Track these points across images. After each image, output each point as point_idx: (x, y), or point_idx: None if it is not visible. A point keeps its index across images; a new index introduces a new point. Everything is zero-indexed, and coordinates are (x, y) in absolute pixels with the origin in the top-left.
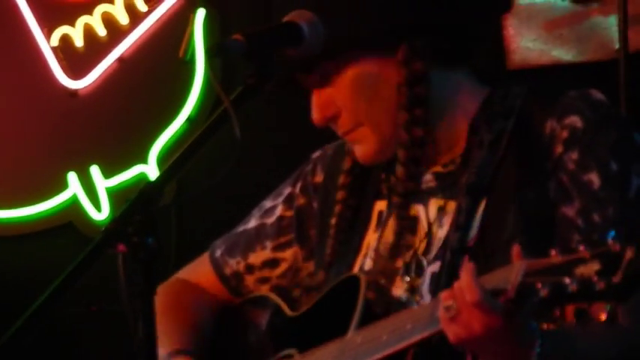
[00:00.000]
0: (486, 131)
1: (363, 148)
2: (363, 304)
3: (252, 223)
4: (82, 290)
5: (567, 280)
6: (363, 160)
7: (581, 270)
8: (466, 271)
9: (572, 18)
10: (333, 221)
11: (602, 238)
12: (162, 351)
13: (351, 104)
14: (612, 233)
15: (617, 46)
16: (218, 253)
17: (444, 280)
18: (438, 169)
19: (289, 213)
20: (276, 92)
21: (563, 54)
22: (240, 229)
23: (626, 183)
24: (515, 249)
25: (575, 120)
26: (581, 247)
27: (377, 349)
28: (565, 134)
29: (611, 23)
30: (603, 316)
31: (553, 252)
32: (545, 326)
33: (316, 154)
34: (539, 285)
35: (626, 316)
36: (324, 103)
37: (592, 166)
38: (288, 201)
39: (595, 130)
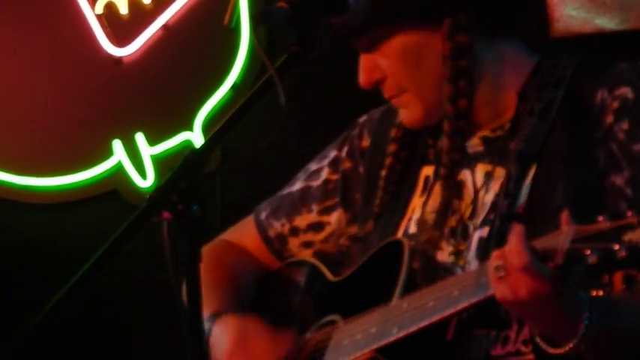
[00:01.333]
0: (536, 100)
1: (408, 113)
2: (408, 270)
3: (297, 185)
4: (127, 258)
5: (616, 246)
6: (407, 124)
7: (630, 236)
8: (516, 234)
9: None
10: (384, 173)
11: None
12: (204, 313)
13: (397, 71)
14: None
15: None
16: (263, 215)
17: (492, 246)
18: (487, 133)
19: (335, 176)
20: (324, 58)
21: (606, 22)
22: (286, 191)
23: None
24: (564, 215)
25: (626, 91)
26: (629, 213)
27: (423, 316)
28: (616, 104)
29: None
30: None
31: (600, 218)
32: (594, 293)
33: (363, 119)
34: (588, 251)
35: None
36: (371, 67)
37: None
38: (334, 164)
39: None
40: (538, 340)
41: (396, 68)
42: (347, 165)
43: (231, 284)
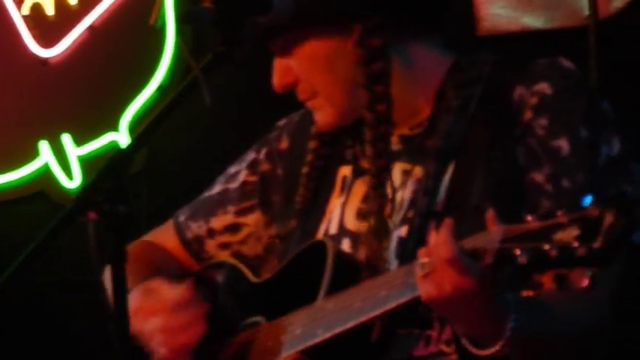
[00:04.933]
0: (454, 97)
1: (320, 116)
2: (332, 269)
3: (216, 188)
4: (57, 258)
5: (547, 246)
6: (320, 127)
7: (560, 235)
8: (445, 226)
9: None
10: (305, 169)
11: (579, 202)
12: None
13: (308, 76)
14: (589, 198)
15: (586, 12)
16: (182, 218)
17: (411, 245)
18: (405, 131)
19: (253, 178)
20: (246, 59)
21: (533, 21)
22: (205, 195)
23: (596, 150)
24: (490, 214)
25: (544, 87)
26: (559, 213)
27: (350, 317)
28: (534, 100)
29: None
30: (585, 282)
31: (529, 217)
32: (524, 293)
33: (282, 122)
34: (518, 251)
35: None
36: (284, 70)
37: (562, 132)
38: (252, 166)
39: (565, 97)
40: (463, 341)
41: (308, 73)
42: (265, 167)
43: (149, 273)
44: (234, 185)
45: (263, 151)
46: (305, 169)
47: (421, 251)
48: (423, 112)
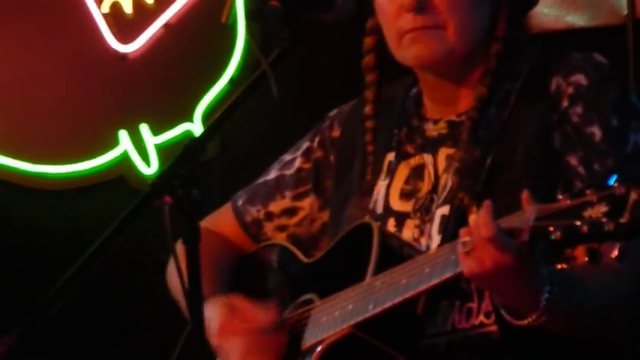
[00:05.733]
0: (497, 90)
1: (430, 47)
2: (378, 250)
3: (272, 174)
4: (134, 239)
5: (578, 223)
6: (420, 58)
7: (590, 212)
8: (484, 208)
9: None
10: (370, 149)
11: (605, 182)
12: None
13: (452, 4)
14: (615, 177)
15: (625, 12)
16: (240, 202)
17: (452, 223)
18: (453, 117)
19: (307, 165)
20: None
21: (576, 19)
22: (261, 180)
23: (625, 138)
24: (525, 194)
25: (580, 78)
26: (588, 191)
27: (398, 293)
28: (571, 90)
29: None
30: (615, 253)
31: (561, 197)
32: (558, 266)
33: (333, 112)
34: (552, 228)
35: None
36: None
37: (594, 120)
38: (307, 154)
39: (598, 87)
40: (502, 312)
41: (457, 3)
42: (319, 154)
43: (215, 269)
44: (290, 172)
45: (316, 140)
46: (370, 148)
47: (462, 231)
48: (469, 98)
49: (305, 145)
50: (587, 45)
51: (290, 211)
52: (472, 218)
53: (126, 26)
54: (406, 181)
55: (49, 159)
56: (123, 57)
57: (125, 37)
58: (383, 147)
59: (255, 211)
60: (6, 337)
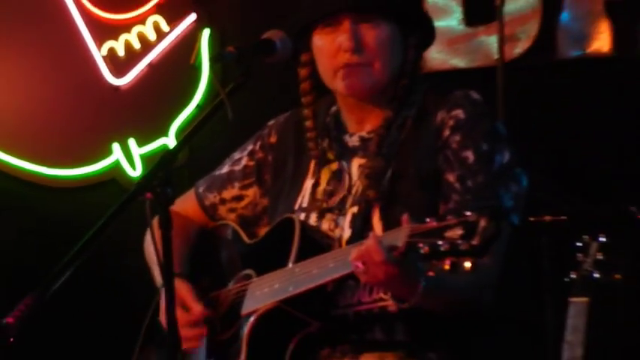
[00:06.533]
0: (398, 115)
1: (361, 80)
2: (298, 242)
3: (225, 169)
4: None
5: (440, 242)
6: (353, 89)
7: (450, 234)
8: (372, 238)
9: (465, 37)
10: (315, 153)
11: (479, 198)
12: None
13: (377, 48)
14: (471, 207)
15: (496, 56)
16: (200, 189)
17: (359, 220)
18: (364, 134)
19: (251, 163)
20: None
21: (458, 62)
22: (217, 172)
23: (492, 159)
24: (404, 216)
25: (459, 112)
26: (449, 217)
27: (310, 280)
28: (451, 122)
29: (492, 41)
30: (468, 265)
31: (428, 219)
32: (429, 273)
33: (271, 122)
34: (421, 244)
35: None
36: (360, 37)
37: (469, 146)
38: (251, 154)
39: (473, 120)
40: (392, 299)
41: (380, 46)
42: (260, 155)
43: (179, 249)
44: (238, 167)
45: (258, 144)
46: (311, 144)
47: (353, 256)
48: (378, 118)
49: (250, 147)
50: (467, 82)
51: (238, 198)
52: (375, 217)
53: (119, 65)
54: (327, 183)
55: (60, 164)
56: (116, 88)
57: (118, 73)
58: (308, 154)
59: (212, 197)
60: (25, 299)
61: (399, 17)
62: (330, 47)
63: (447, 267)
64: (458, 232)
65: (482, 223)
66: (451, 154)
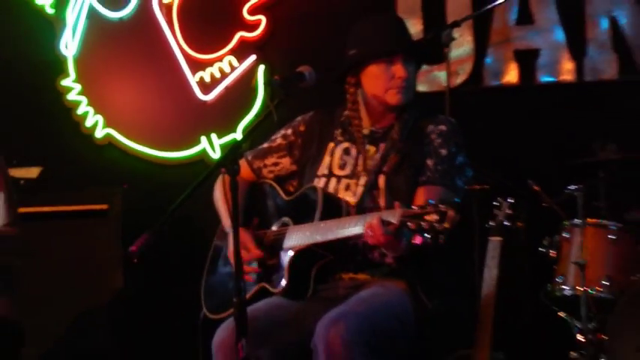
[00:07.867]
0: (398, 124)
1: (404, 96)
2: (321, 205)
3: (266, 145)
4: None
5: (423, 223)
6: (400, 101)
7: (429, 217)
8: (377, 218)
9: (426, 72)
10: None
11: (446, 181)
12: (225, 227)
13: (413, 77)
14: (442, 200)
15: (445, 83)
16: (249, 157)
17: (368, 189)
18: (374, 129)
19: (284, 142)
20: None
21: (422, 87)
22: (260, 147)
23: (455, 158)
24: (397, 203)
25: (443, 127)
26: (429, 206)
27: (333, 234)
28: (437, 131)
29: (442, 74)
30: (442, 239)
31: (414, 206)
32: (416, 241)
33: (300, 117)
34: (409, 223)
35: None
36: (409, 71)
37: (445, 147)
38: (284, 137)
39: (451, 132)
40: (387, 252)
41: (414, 76)
42: (291, 138)
43: (242, 202)
44: (274, 145)
45: (290, 130)
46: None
47: (366, 225)
48: (385, 121)
49: (283, 131)
50: (427, 101)
51: (275, 164)
52: (381, 184)
53: (206, 87)
54: (340, 157)
55: (167, 149)
56: (204, 102)
57: (205, 92)
58: (329, 138)
59: (258, 162)
60: (144, 234)
61: (421, 59)
62: (386, 74)
63: (429, 242)
64: (434, 217)
65: (450, 213)
66: (432, 149)
